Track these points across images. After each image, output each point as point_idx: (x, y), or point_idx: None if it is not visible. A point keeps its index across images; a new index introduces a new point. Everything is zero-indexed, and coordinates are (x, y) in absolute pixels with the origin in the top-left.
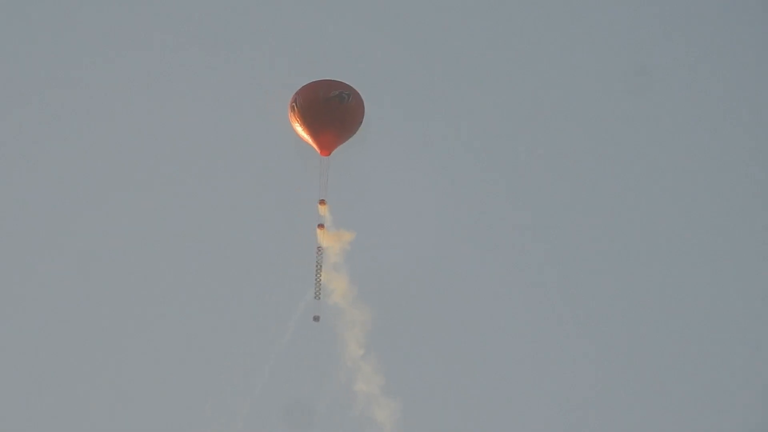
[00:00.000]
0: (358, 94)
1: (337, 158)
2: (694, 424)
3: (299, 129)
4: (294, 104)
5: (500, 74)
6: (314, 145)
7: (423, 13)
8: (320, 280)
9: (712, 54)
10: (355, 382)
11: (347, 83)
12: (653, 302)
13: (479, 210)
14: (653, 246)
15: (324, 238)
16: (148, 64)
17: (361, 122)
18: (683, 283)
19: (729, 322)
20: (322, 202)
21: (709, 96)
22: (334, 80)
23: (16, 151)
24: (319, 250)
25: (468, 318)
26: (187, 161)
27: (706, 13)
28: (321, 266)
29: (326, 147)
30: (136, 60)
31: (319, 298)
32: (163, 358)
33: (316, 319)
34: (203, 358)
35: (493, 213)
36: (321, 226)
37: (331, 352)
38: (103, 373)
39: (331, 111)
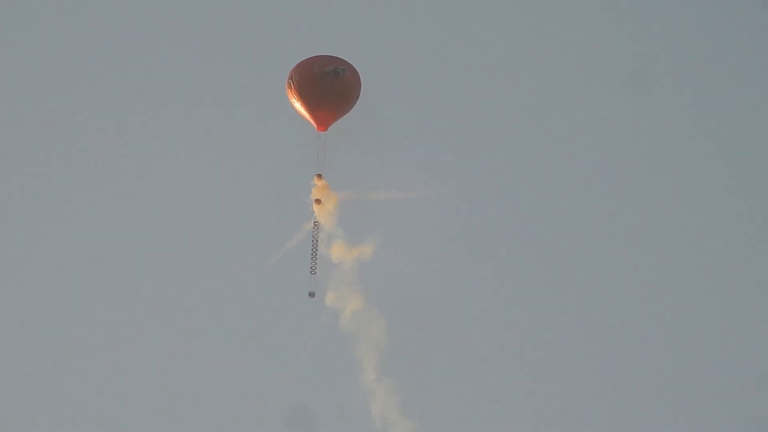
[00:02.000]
0: (354, 68)
1: (340, 165)
2: (694, 424)
3: (297, 105)
4: (291, 81)
5: (500, 75)
6: (311, 121)
7: (424, 15)
8: (317, 254)
9: (712, 55)
10: (372, 403)
11: (343, 58)
12: (662, 310)
13: (485, 219)
14: (657, 252)
15: (339, 252)
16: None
17: (357, 96)
18: (683, 286)
19: (729, 322)
20: (319, 176)
21: (709, 97)
22: (329, 56)
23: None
24: (316, 225)
25: (480, 329)
26: (178, 145)
27: (706, 13)
28: (317, 241)
29: (323, 123)
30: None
31: (315, 272)
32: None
33: (312, 295)
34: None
35: (500, 221)
36: (318, 201)
37: (346, 372)
38: (107, 375)
39: (326, 86)
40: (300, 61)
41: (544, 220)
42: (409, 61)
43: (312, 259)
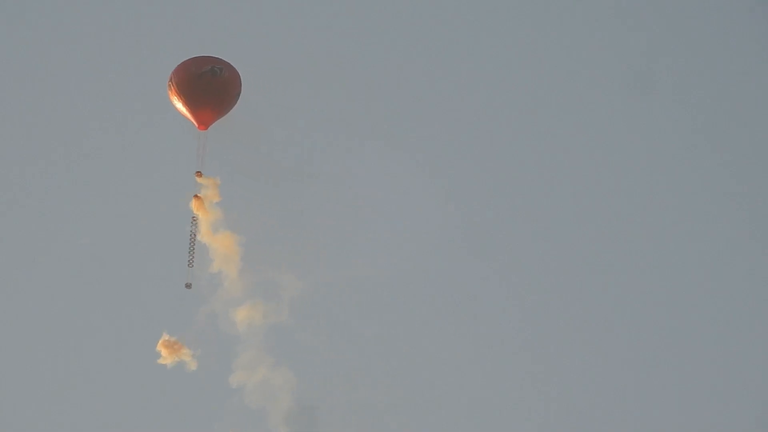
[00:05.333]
0: (233, 67)
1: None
2: (694, 424)
3: (178, 105)
4: (170, 82)
5: (498, 76)
6: (192, 120)
7: (424, 17)
8: (194, 247)
9: (713, 57)
10: None
11: (221, 58)
12: (654, 308)
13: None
14: (653, 250)
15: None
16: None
17: (238, 95)
18: (683, 288)
19: (729, 322)
20: (198, 173)
21: (710, 99)
22: (208, 56)
23: None
24: (194, 220)
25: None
26: (65, 146)
27: (707, 15)
28: (195, 234)
29: (203, 122)
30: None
31: (193, 265)
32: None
33: (188, 286)
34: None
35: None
36: (197, 196)
37: None
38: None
39: (205, 86)
40: (180, 62)
41: (541, 225)
42: (407, 60)
43: (190, 252)
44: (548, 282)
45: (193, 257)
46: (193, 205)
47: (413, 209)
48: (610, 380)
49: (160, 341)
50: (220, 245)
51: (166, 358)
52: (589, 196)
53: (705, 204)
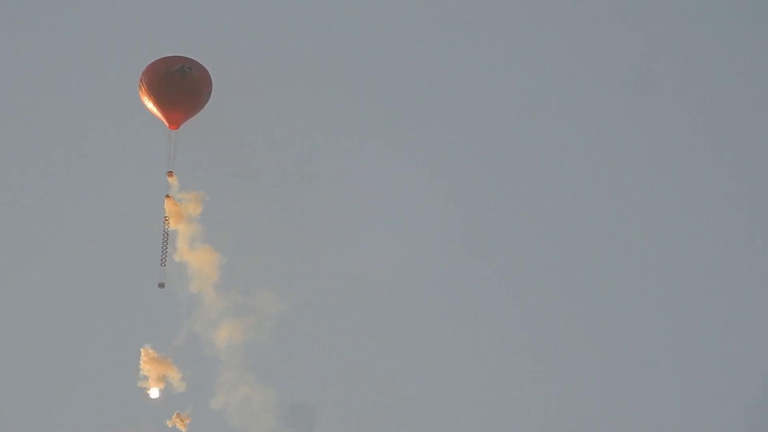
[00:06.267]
0: (203, 66)
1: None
2: (694, 424)
3: (149, 105)
4: (140, 82)
5: (498, 76)
6: (163, 120)
7: (425, 17)
8: (166, 247)
9: (713, 57)
10: None
11: (191, 58)
12: (654, 308)
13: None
14: (653, 250)
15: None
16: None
17: (208, 94)
18: (683, 288)
19: (729, 322)
20: (170, 173)
21: (710, 99)
22: (177, 56)
23: None
24: (166, 219)
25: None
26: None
27: (707, 15)
28: (167, 234)
29: (174, 121)
30: None
31: (165, 264)
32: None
33: (161, 285)
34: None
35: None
36: (168, 196)
37: None
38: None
39: (175, 85)
40: (150, 62)
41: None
42: (407, 60)
43: (162, 252)
44: (548, 282)
45: (166, 256)
46: (166, 205)
47: (413, 209)
48: (610, 380)
49: (144, 357)
50: (197, 260)
51: (153, 378)
52: (589, 196)
53: (705, 204)
